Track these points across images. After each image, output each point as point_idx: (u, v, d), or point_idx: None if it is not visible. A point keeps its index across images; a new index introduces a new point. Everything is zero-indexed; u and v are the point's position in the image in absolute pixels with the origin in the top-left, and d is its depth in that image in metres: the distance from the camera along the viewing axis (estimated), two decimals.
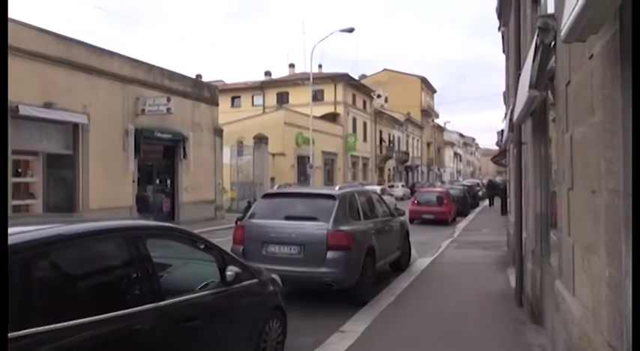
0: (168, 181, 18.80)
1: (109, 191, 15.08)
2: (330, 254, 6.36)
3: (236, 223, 17.95)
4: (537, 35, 3.79)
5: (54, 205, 13.36)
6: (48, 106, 13.12)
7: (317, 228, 6.51)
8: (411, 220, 18.65)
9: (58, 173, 13.99)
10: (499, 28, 13.28)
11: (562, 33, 2.22)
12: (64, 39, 14.07)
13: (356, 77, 45.62)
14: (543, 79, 4.23)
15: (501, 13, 11.66)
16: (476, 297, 7.09)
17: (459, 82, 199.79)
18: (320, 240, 6.41)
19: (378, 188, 25.05)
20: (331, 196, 6.96)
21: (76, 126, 14.28)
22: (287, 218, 6.76)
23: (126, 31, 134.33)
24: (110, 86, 15.56)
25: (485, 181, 50.30)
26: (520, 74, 5.12)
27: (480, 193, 35.48)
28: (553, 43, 3.78)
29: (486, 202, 31.99)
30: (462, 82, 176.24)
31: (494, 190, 29.79)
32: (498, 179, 43.83)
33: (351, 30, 24.85)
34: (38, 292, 2.49)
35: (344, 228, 6.60)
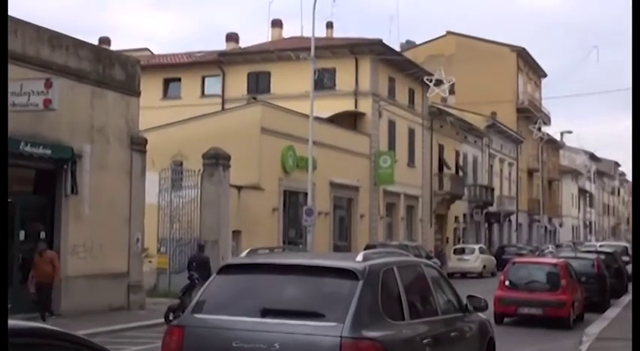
0: (43, 235, 18.82)
1: None
2: None
3: (167, 319, 17.68)
4: None
5: None
6: None
7: (322, 332, 6.47)
8: (499, 318, 18.60)
9: None
10: None
11: None
12: None
13: (396, 47, 46.33)
14: None
15: None
16: None
17: (587, 62, 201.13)
18: None
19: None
20: (350, 272, 6.94)
21: None
22: (265, 313, 6.72)
23: None
24: None
25: None
26: None
27: (630, 268, 35.27)
28: None
29: None
30: (594, 62, 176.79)
31: None
32: None
33: None
34: None
35: (373, 334, 6.55)
